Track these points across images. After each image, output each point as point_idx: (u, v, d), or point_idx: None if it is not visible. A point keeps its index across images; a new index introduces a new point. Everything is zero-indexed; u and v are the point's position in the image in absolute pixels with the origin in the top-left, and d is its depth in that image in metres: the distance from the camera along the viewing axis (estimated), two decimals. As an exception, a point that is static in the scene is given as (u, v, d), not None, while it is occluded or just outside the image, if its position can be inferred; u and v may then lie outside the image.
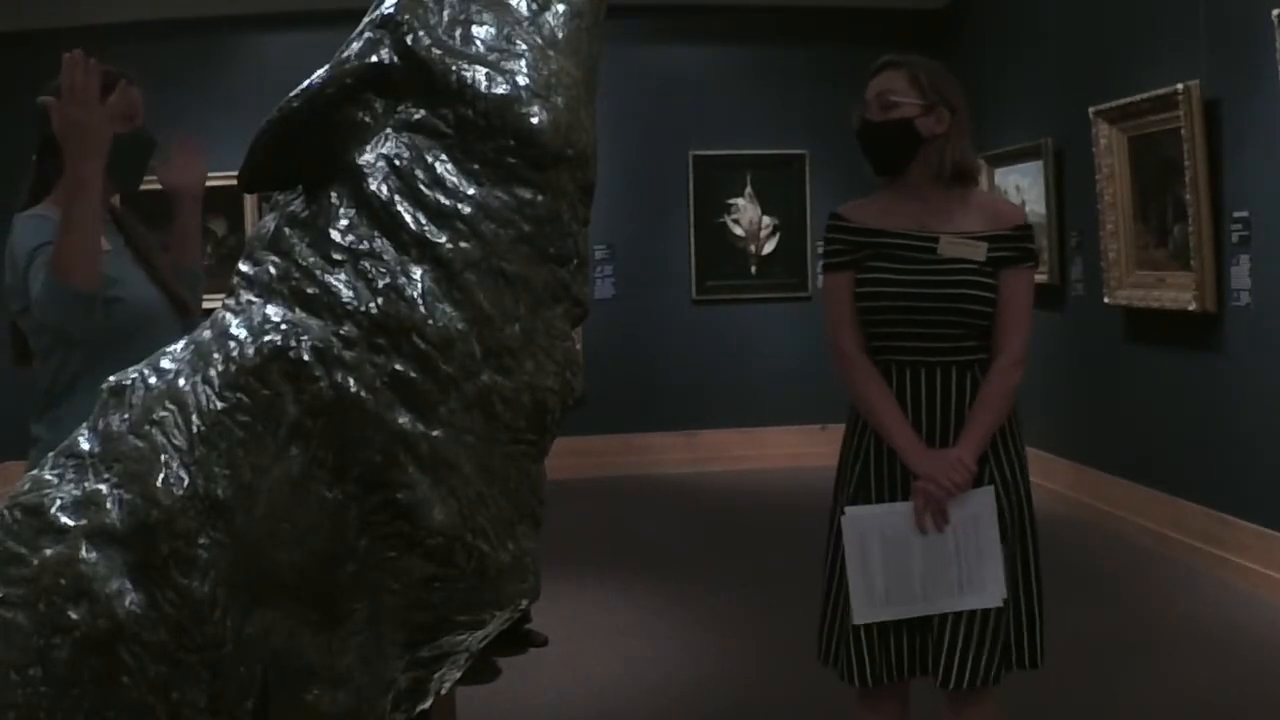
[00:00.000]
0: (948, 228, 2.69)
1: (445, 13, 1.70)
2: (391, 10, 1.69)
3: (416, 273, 1.60)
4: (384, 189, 1.63)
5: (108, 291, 2.45)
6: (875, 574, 2.63)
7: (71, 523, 1.61)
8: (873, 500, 2.69)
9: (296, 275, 1.64)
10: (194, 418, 1.61)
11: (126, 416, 1.67)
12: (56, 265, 2.34)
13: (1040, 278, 6.09)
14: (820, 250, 8.21)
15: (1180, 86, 5.37)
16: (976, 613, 2.61)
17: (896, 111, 2.67)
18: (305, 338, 1.59)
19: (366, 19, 1.73)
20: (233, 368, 1.61)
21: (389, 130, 1.66)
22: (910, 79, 2.69)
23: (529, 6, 1.74)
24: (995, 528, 2.63)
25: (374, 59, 1.67)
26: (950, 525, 2.61)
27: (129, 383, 1.71)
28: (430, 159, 1.64)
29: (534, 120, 1.64)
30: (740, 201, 8.35)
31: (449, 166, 1.64)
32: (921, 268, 2.66)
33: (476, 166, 1.64)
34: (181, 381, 1.65)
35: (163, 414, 1.64)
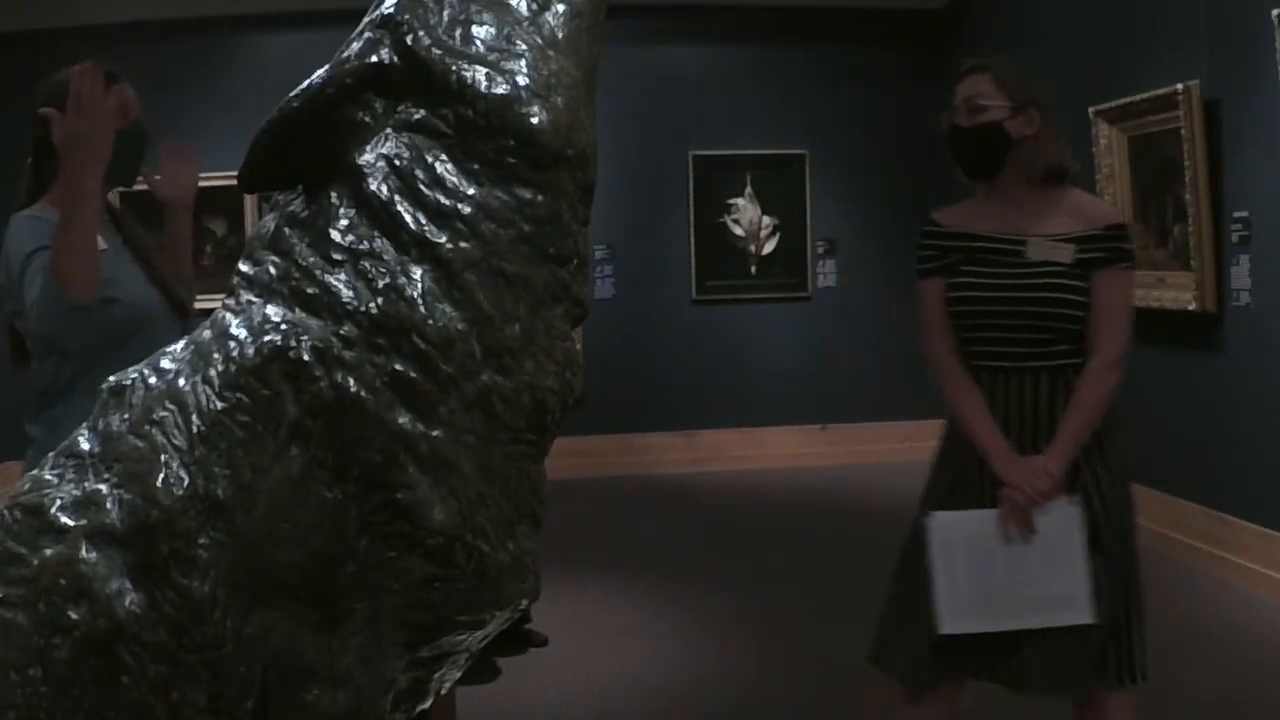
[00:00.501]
0: (1039, 230, 2.64)
1: (445, 13, 1.70)
2: (391, 10, 1.70)
3: (416, 273, 1.60)
4: (384, 189, 1.63)
5: (104, 292, 2.44)
6: (960, 582, 2.58)
7: (71, 523, 1.61)
8: (961, 507, 2.64)
9: (296, 275, 1.64)
10: (194, 418, 1.61)
11: (126, 416, 1.67)
12: (55, 273, 2.33)
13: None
14: (826, 254, 8.27)
15: (1180, 86, 5.37)
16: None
17: (985, 115, 2.64)
18: (305, 338, 1.59)
19: (366, 19, 1.73)
20: (233, 368, 1.61)
21: (389, 130, 1.67)
22: (998, 81, 2.65)
23: (529, 6, 1.74)
24: (1083, 540, 2.55)
25: (374, 59, 1.67)
26: (1036, 536, 2.55)
27: (129, 383, 1.71)
28: (430, 159, 1.64)
29: (534, 120, 1.64)
30: (740, 201, 8.34)
31: (449, 166, 1.64)
32: (1009, 271, 2.62)
33: (476, 166, 1.64)
34: (181, 381, 1.65)
35: (163, 414, 1.64)
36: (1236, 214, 5.22)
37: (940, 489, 2.71)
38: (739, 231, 8.34)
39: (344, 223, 1.64)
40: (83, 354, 2.51)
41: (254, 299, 1.67)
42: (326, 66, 1.69)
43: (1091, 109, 6.11)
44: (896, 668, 2.69)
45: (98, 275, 2.36)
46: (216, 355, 1.64)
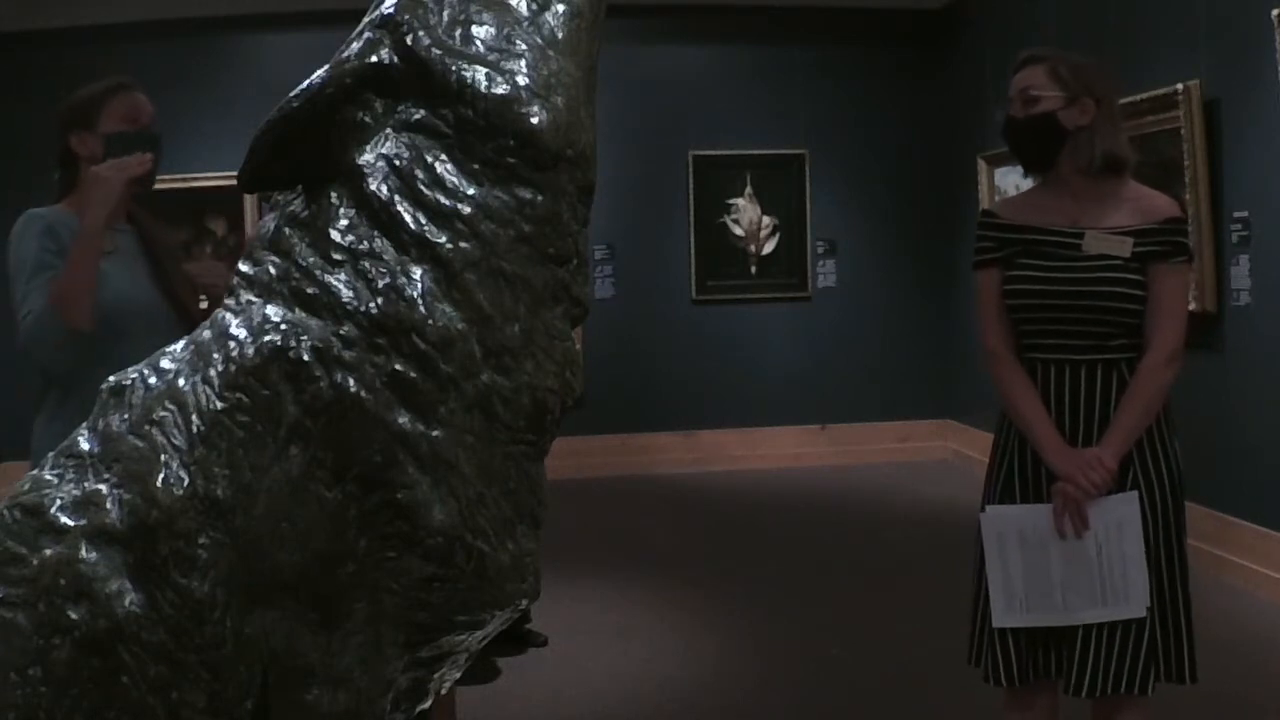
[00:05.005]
0: (1097, 223, 2.63)
1: (445, 13, 1.70)
2: (391, 10, 1.70)
3: (416, 273, 1.60)
4: (384, 189, 1.63)
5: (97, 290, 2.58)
6: (1015, 576, 2.58)
7: (71, 523, 1.62)
8: (1017, 501, 2.64)
9: (296, 275, 1.64)
10: (194, 418, 1.62)
11: (126, 416, 1.67)
12: (55, 297, 2.55)
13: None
14: (826, 254, 8.27)
15: (1180, 86, 5.37)
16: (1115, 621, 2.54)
17: (1038, 106, 2.63)
18: (305, 338, 1.59)
19: (366, 19, 1.73)
20: (232, 368, 1.62)
21: (389, 130, 1.67)
22: (1050, 72, 2.64)
23: (529, 6, 1.74)
24: (1140, 535, 2.55)
25: (374, 59, 1.67)
26: (1091, 531, 2.54)
27: (129, 383, 1.72)
28: (430, 159, 1.64)
29: (534, 120, 1.64)
30: (740, 201, 8.34)
31: (449, 166, 1.64)
32: (1066, 264, 2.61)
33: (476, 166, 1.64)
34: (181, 381, 1.66)
35: (163, 414, 1.64)
36: (1236, 214, 5.22)
37: (997, 485, 2.70)
38: (739, 231, 8.34)
39: (344, 223, 1.64)
40: (78, 351, 2.58)
41: (254, 299, 1.67)
42: (326, 66, 1.69)
43: (1091, 109, 6.10)
44: (986, 668, 2.68)
45: (92, 305, 2.56)
46: (216, 355, 1.64)
